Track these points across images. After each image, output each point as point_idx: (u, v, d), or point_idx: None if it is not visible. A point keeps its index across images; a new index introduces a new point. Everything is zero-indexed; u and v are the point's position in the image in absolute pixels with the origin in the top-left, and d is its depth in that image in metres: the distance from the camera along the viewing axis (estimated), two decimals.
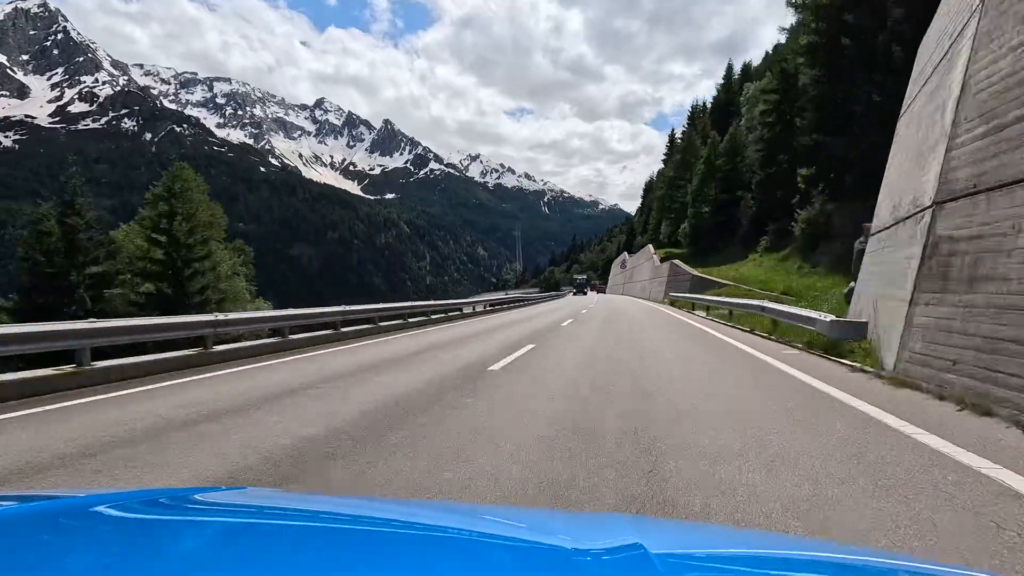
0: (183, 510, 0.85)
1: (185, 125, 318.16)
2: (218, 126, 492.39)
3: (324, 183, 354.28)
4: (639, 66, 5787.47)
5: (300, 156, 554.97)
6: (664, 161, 67.71)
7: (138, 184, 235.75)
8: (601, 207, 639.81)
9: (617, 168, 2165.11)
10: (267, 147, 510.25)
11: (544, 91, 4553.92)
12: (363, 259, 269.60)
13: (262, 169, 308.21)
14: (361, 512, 0.96)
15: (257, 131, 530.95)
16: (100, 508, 0.76)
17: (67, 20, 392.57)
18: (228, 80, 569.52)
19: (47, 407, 4.86)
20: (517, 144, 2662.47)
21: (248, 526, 0.77)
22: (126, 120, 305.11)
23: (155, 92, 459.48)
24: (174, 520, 0.80)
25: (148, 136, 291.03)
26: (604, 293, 69.20)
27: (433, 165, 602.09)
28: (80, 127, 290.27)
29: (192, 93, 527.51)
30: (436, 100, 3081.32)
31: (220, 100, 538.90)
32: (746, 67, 59.73)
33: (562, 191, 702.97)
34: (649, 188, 72.39)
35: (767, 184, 31.07)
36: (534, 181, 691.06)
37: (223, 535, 0.72)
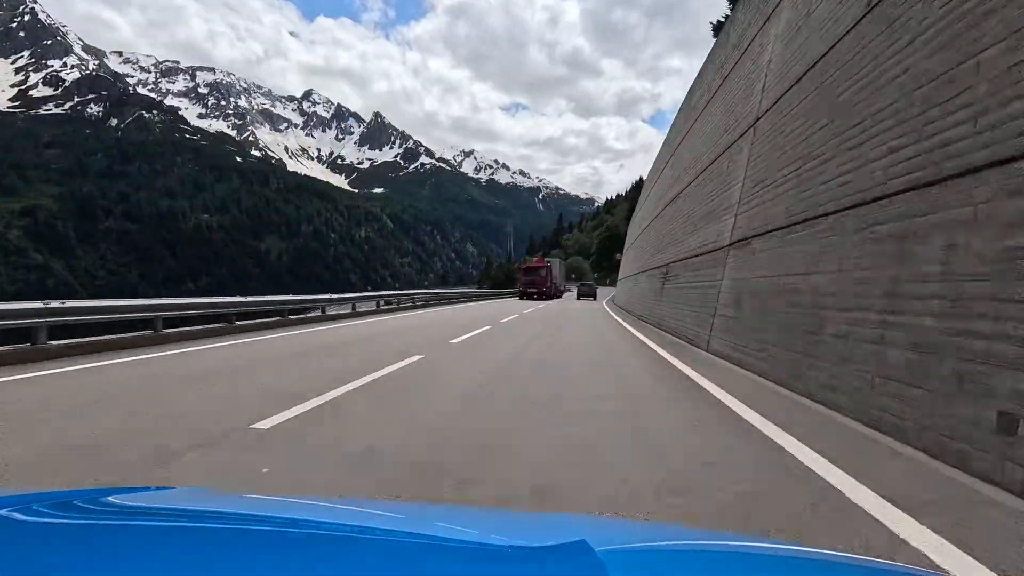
0: (99, 514, 0.75)
1: (155, 111, 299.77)
2: (200, 116, 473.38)
3: (305, 175, 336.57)
4: (637, 60, 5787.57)
5: (286, 148, 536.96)
6: None
7: (92, 171, 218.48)
8: (597, 205, 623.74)
9: (614, 167, 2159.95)
10: (251, 138, 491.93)
11: (540, 86, 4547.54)
12: (339, 254, 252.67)
13: (238, 159, 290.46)
14: (298, 514, 0.90)
15: (241, 122, 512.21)
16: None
17: (35, 2, 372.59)
18: (212, 70, 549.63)
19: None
20: (512, 140, 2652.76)
21: (174, 530, 0.70)
22: (92, 105, 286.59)
23: (133, 80, 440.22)
24: (88, 525, 0.70)
25: (114, 122, 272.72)
26: (592, 297, 40.76)
27: (424, 159, 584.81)
28: (42, 112, 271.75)
29: (173, 82, 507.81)
30: (429, 94, 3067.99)
31: (203, 90, 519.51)
32: None
33: (557, 188, 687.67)
34: None
35: None
36: (528, 178, 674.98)
37: (143, 541, 0.64)
